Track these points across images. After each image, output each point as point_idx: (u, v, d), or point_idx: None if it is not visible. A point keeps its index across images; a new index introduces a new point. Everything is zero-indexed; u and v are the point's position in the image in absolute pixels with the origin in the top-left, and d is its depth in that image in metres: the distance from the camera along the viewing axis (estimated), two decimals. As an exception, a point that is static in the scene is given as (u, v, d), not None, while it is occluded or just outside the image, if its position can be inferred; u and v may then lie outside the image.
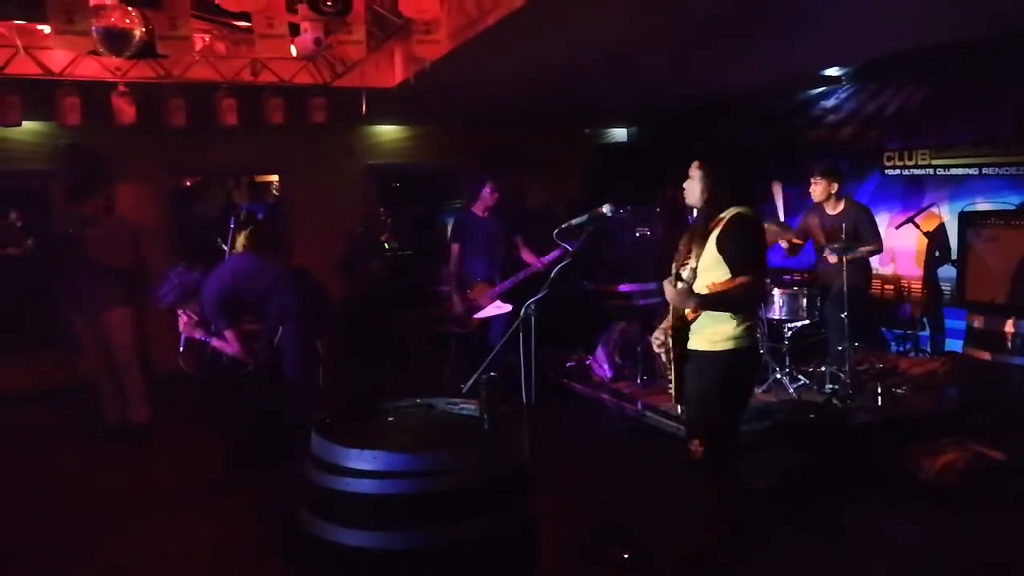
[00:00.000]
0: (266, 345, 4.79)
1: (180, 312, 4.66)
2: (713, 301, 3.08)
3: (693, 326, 3.16)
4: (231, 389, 5.36)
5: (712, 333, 3.11)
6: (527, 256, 6.06)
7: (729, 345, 3.09)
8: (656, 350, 3.38)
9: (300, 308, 4.67)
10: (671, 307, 3.22)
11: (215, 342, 4.65)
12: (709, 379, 3.13)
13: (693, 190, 3.23)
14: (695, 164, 3.23)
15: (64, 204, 6.04)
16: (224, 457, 5.13)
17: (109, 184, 6.62)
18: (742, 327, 3.09)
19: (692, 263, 3.16)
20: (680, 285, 3.11)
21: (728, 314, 3.08)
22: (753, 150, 7.65)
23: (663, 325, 3.31)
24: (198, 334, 4.67)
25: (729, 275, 3.06)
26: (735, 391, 3.18)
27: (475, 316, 5.94)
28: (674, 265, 3.26)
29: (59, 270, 5.55)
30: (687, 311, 3.16)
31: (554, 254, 5.74)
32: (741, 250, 3.06)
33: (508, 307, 5.67)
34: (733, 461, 3.25)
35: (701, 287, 3.11)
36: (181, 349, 4.95)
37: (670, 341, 3.22)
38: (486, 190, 6.07)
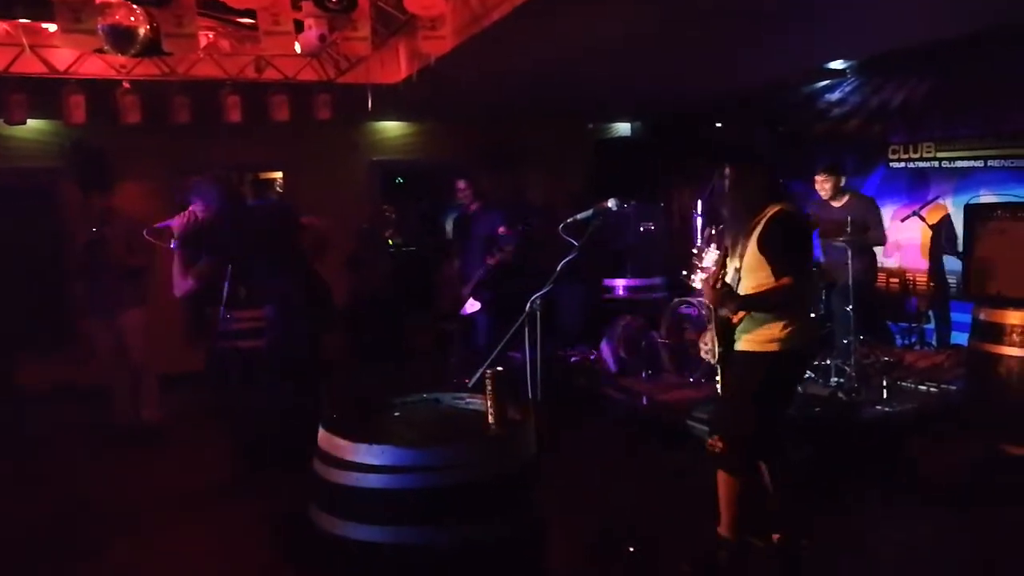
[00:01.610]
0: (270, 328, 4.78)
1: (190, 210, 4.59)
2: (751, 303, 3.10)
3: (739, 328, 3.17)
4: (238, 389, 5.37)
5: (757, 334, 3.11)
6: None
7: (774, 347, 3.09)
8: (703, 356, 3.37)
9: (298, 294, 4.65)
10: (713, 310, 3.21)
11: (177, 250, 4.52)
12: (751, 379, 3.14)
13: (725, 192, 3.22)
14: (725, 168, 3.22)
15: (81, 205, 6.04)
16: (233, 457, 5.14)
17: (115, 181, 6.62)
18: (788, 329, 3.08)
19: (736, 263, 3.17)
20: (720, 287, 3.10)
21: (773, 316, 3.08)
22: (771, 144, 7.57)
23: (708, 330, 3.30)
24: (177, 229, 4.61)
25: (772, 277, 3.06)
26: (775, 392, 3.18)
27: (461, 312, 6.09)
28: (713, 266, 3.27)
29: (79, 271, 5.55)
30: (733, 315, 3.16)
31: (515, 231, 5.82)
32: (781, 251, 3.06)
33: (477, 304, 5.76)
34: (765, 459, 3.25)
35: (747, 289, 3.11)
36: (156, 226, 5.17)
37: (716, 344, 3.22)
38: (458, 187, 6.28)
